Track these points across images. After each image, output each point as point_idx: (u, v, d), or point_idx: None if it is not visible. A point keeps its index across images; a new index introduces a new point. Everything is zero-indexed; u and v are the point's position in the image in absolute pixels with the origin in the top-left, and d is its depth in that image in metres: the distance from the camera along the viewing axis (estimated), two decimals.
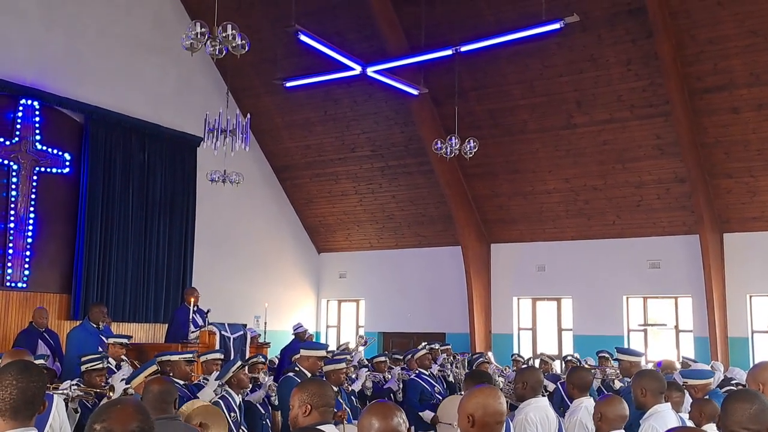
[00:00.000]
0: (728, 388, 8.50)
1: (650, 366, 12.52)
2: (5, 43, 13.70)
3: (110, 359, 9.50)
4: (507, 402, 4.44)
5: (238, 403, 7.70)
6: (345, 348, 13.64)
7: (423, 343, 12.51)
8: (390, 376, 11.18)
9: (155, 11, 16.37)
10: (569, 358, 13.30)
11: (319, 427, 3.80)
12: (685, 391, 7.15)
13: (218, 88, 17.03)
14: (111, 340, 10.15)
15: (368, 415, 3.39)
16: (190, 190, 16.77)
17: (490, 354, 14.21)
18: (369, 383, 10.82)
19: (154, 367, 7.28)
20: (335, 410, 4.55)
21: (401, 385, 10.78)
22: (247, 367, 8.55)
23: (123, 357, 9.85)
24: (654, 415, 5.59)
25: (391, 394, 10.76)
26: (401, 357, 12.36)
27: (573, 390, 6.62)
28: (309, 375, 7.78)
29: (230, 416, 7.42)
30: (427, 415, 10.05)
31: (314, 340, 16.87)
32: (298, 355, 11.09)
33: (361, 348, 12.81)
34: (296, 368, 8.03)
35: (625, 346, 15.20)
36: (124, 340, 10.30)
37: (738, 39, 13.52)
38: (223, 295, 16.41)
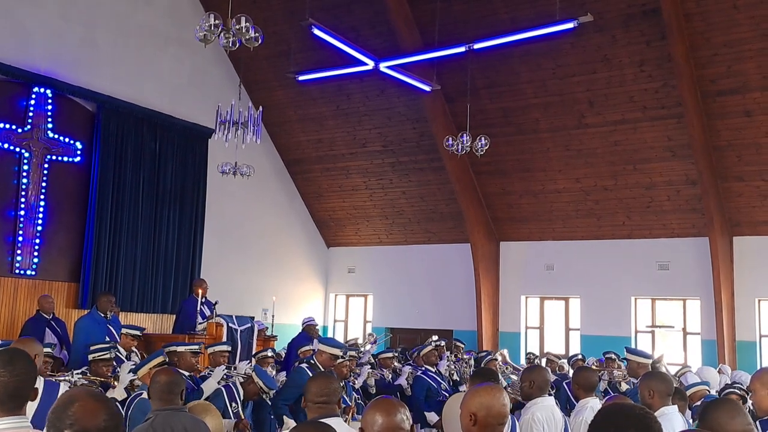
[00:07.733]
0: (729, 391, 8.46)
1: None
2: (21, 31, 13.74)
3: (121, 349, 9.56)
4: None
5: (242, 395, 7.72)
6: (354, 344, 13.61)
7: (430, 339, 12.41)
8: (395, 373, 11.17)
9: (171, 2, 16.39)
10: (578, 357, 13.26)
11: (322, 420, 3.79)
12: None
13: (231, 80, 17.05)
14: (124, 331, 10.17)
15: (372, 410, 3.39)
16: (201, 182, 16.78)
17: (505, 351, 14.02)
18: (371, 380, 10.77)
19: (160, 358, 7.28)
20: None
21: (410, 382, 10.73)
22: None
23: (133, 348, 9.88)
24: (661, 417, 5.55)
25: (399, 392, 10.72)
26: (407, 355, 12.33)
27: (578, 390, 6.59)
28: (322, 369, 7.81)
29: (231, 405, 7.44)
30: (431, 417, 9.91)
31: (321, 334, 16.88)
32: (303, 348, 11.17)
33: (369, 346, 12.77)
34: (311, 360, 8.06)
35: (632, 347, 15.17)
36: (137, 332, 10.32)
37: (753, 42, 13.46)
38: (232, 287, 16.43)
